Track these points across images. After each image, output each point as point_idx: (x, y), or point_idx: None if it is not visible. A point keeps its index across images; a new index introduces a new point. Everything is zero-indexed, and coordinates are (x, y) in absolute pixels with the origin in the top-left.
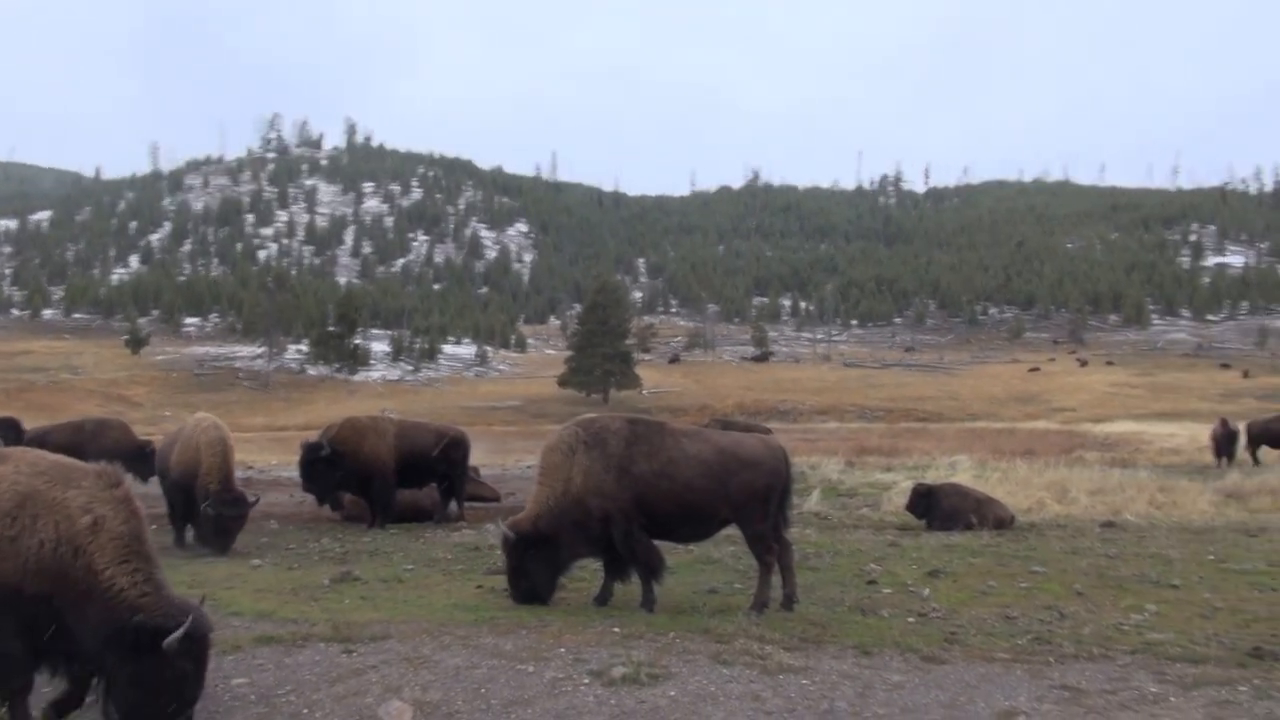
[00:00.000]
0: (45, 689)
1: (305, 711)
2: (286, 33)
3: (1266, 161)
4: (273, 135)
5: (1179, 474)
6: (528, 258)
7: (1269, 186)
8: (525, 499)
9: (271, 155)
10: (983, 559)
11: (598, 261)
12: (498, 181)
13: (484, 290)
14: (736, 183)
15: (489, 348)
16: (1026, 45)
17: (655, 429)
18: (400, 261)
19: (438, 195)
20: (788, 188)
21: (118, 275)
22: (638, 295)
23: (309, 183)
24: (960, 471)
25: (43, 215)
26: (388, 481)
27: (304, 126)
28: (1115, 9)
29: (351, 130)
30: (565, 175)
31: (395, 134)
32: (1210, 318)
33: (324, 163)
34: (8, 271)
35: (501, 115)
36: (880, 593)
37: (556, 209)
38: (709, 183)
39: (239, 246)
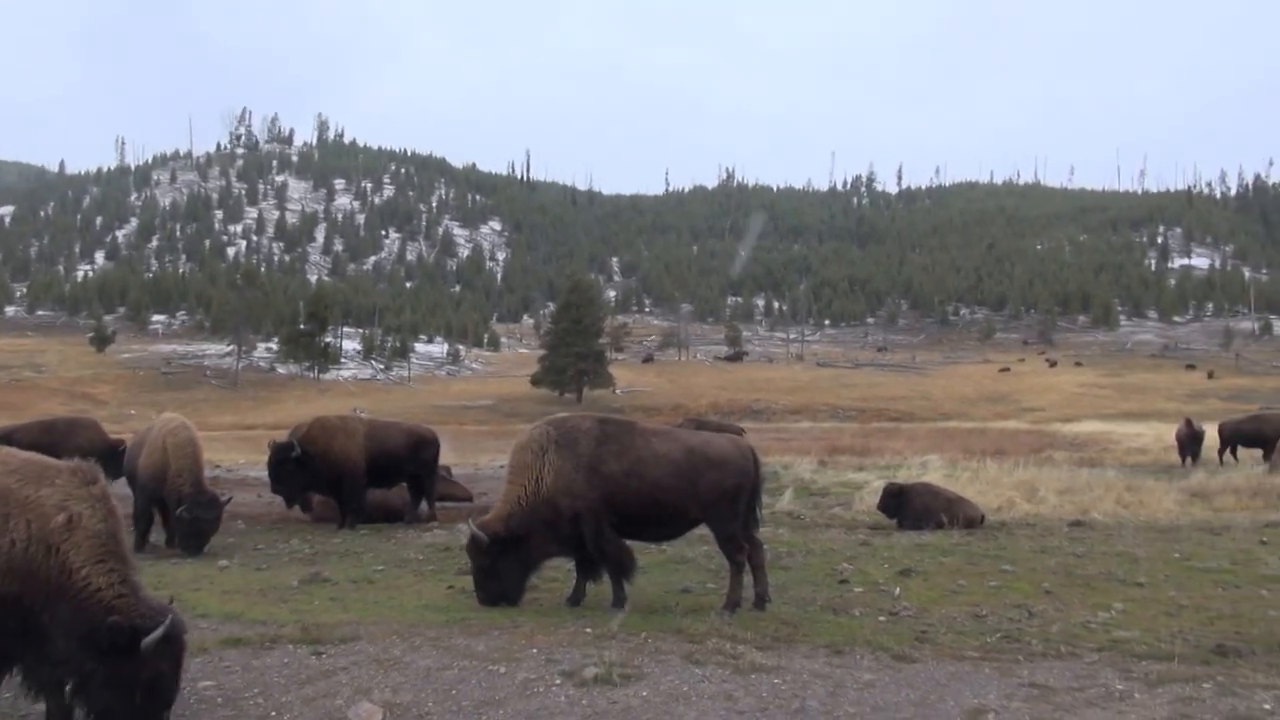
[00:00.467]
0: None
1: (273, 714)
2: (256, 27)
3: (1232, 165)
4: (242, 130)
5: (1145, 474)
6: (501, 256)
7: (1234, 190)
8: (496, 499)
9: (241, 151)
10: (953, 558)
11: (571, 260)
12: (471, 179)
13: (457, 289)
14: (711, 182)
15: (461, 346)
16: (998, 48)
17: (625, 428)
18: (372, 259)
19: (410, 193)
20: (762, 188)
21: (83, 271)
22: (611, 294)
23: (279, 179)
24: (931, 471)
25: (5, 210)
26: (358, 482)
27: (274, 122)
28: (1085, 14)
29: (323, 126)
30: (539, 174)
31: (367, 130)
32: (1176, 319)
33: (294, 159)
34: None
35: (475, 113)
36: (852, 592)
37: (530, 207)
38: (683, 182)
39: (207, 243)
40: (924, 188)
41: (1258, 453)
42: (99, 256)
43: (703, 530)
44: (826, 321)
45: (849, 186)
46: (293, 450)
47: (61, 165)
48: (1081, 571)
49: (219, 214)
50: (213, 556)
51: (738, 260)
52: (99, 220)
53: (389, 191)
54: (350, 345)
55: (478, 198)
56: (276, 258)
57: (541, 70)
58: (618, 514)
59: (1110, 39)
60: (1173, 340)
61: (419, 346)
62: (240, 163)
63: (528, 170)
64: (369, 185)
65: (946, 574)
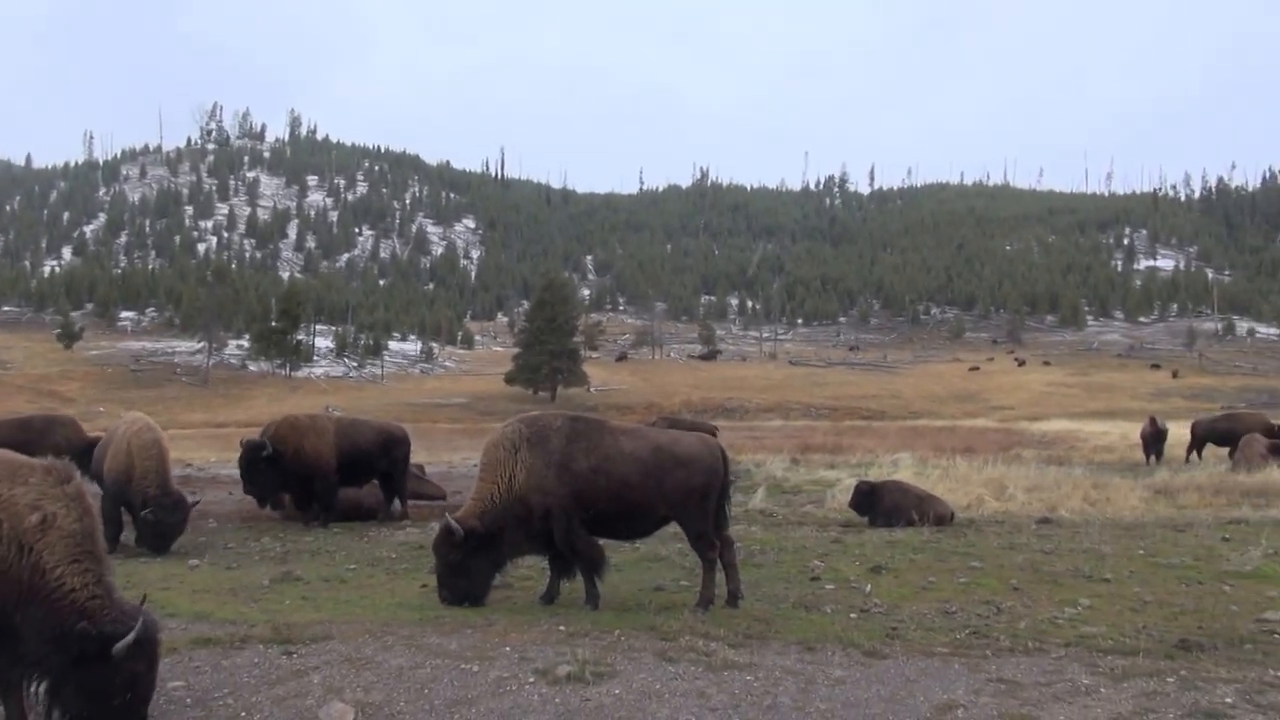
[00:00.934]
0: None
1: (244, 714)
2: (228, 21)
3: (1196, 168)
4: (213, 126)
5: (1112, 471)
6: (475, 254)
7: (1198, 193)
8: (469, 496)
9: (212, 146)
10: (923, 555)
11: (545, 258)
12: (445, 177)
13: (430, 286)
14: (685, 181)
15: (435, 344)
16: (969, 51)
17: (596, 427)
18: (345, 256)
19: (384, 190)
20: (735, 187)
21: (50, 267)
22: (585, 293)
23: (250, 175)
24: (902, 469)
25: None
26: (329, 480)
27: (245, 117)
28: (1054, 18)
29: (295, 122)
30: (513, 171)
31: (340, 127)
32: (1142, 319)
33: (266, 155)
34: None
35: (449, 110)
36: (824, 589)
37: (504, 205)
38: (657, 181)
39: (177, 239)
40: (896, 188)
41: (1221, 451)
42: (66, 252)
43: (676, 528)
44: (799, 320)
45: (822, 187)
46: (264, 449)
47: (28, 159)
48: (1049, 568)
49: (189, 210)
50: (183, 555)
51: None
52: (66, 215)
53: (362, 188)
54: (323, 343)
55: (452, 195)
56: (248, 254)
57: (516, 68)
58: (587, 511)
59: (1078, 44)
60: (1138, 340)
61: (392, 344)
62: (211, 158)
63: (502, 168)
64: (342, 182)
65: (917, 571)
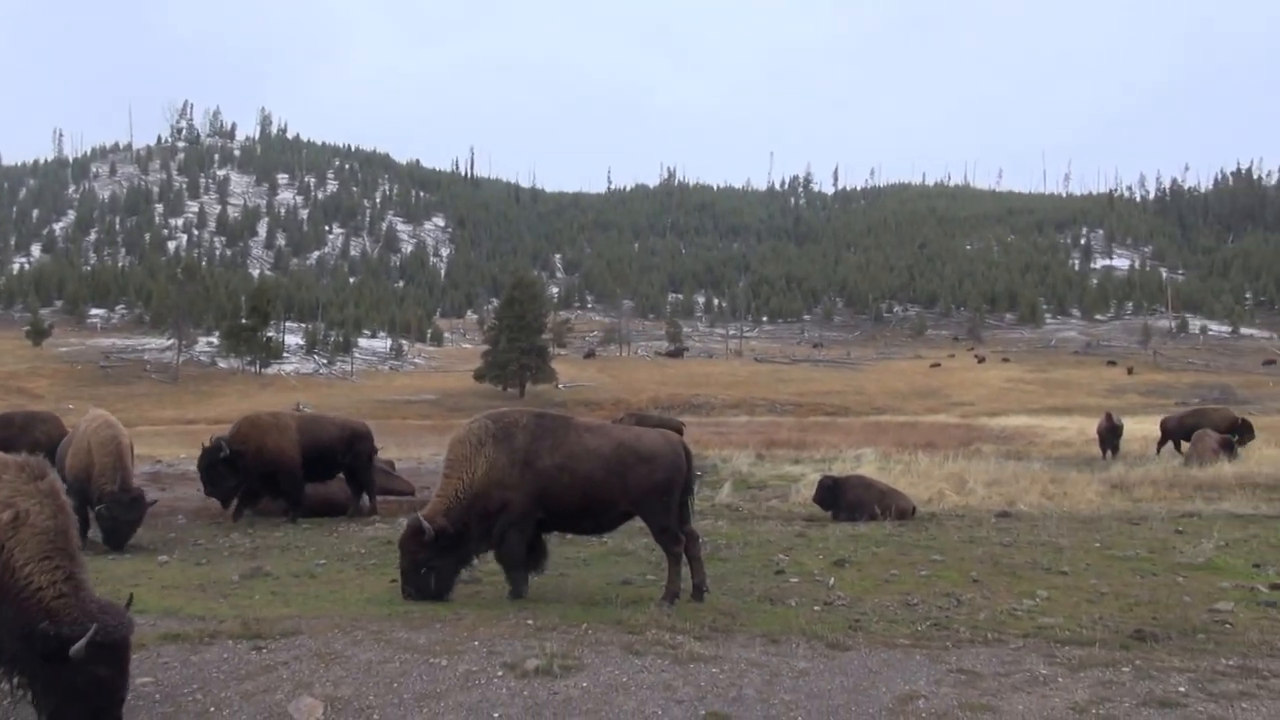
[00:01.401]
0: None
1: (213, 710)
2: (198, 19)
3: (1150, 170)
4: (183, 124)
5: (1069, 466)
6: (445, 252)
7: (1152, 193)
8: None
9: (182, 144)
10: (886, 548)
11: (515, 257)
12: (415, 175)
13: (400, 284)
14: (652, 181)
15: (405, 341)
16: (930, 54)
17: (561, 424)
18: (315, 254)
19: (354, 188)
20: (702, 187)
21: (19, 264)
22: (554, 291)
23: (221, 173)
24: (865, 464)
25: None
26: (295, 476)
27: (215, 115)
28: (1012, 22)
29: (265, 120)
30: (483, 171)
31: (311, 126)
32: (1098, 317)
33: (237, 153)
34: None
35: (419, 110)
36: (788, 582)
37: (474, 204)
38: (625, 180)
39: (147, 236)
40: (859, 188)
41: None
42: (35, 249)
43: (642, 523)
44: (764, 318)
45: (787, 186)
46: (221, 451)
47: None
48: (1008, 561)
49: (159, 207)
50: (152, 551)
51: None
52: (36, 213)
53: (332, 186)
54: (293, 340)
55: (421, 194)
56: (218, 252)
57: (486, 68)
58: (550, 508)
59: (1037, 48)
60: (1095, 338)
61: (362, 341)
62: (181, 156)
63: (472, 167)
64: (312, 180)
65: (879, 564)
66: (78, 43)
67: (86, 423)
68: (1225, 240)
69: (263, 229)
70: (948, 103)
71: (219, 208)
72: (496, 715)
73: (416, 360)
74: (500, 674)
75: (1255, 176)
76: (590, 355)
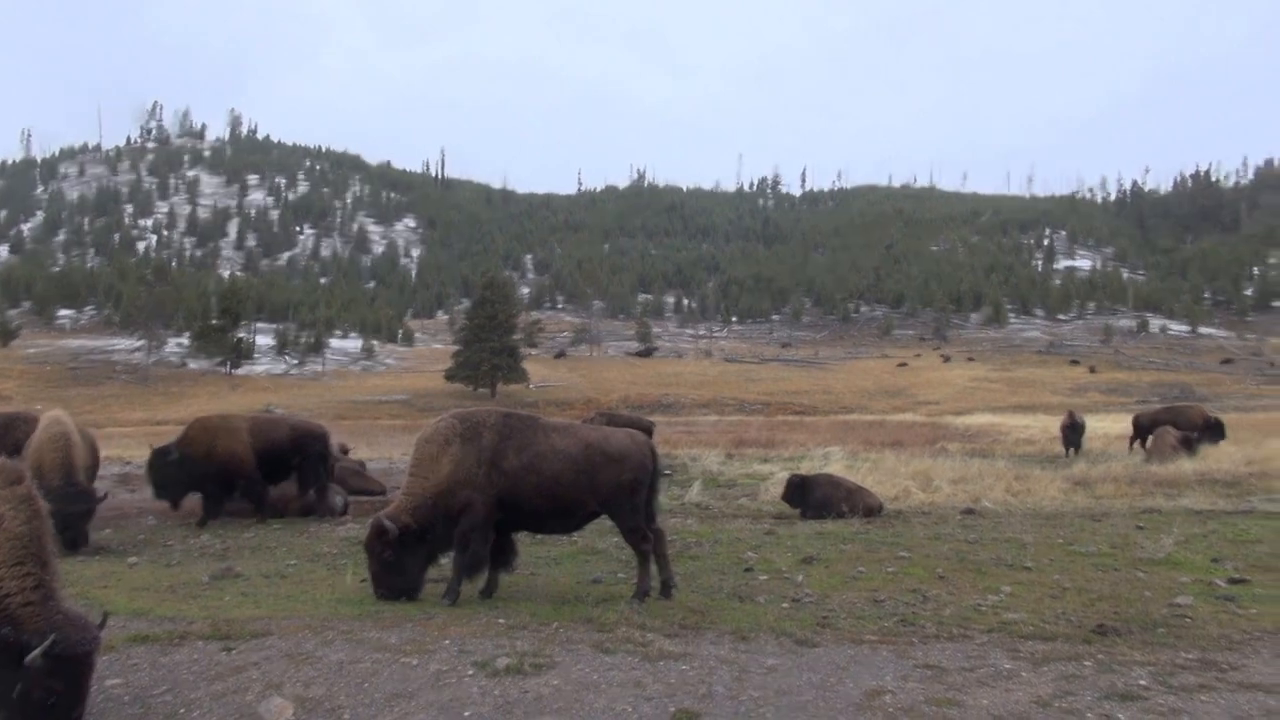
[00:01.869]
0: None
1: (182, 711)
2: (167, 21)
3: (1112, 172)
4: (153, 125)
5: (1033, 463)
6: (415, 253)
7: (1114, 195)
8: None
9: (152, 145)
10: (853, 545)
11: (486, 257)
12: (386, 176)
13: (371, 285)
14: (622, 182)
15: (376, 342)
16: (895, 59)
17: (528, 424)
18: (286, 255)
19: (324, 189)
20: (672, 188)
21: None
22: (525, 291)
23: (191, 173)
24: (833, 462)
25: None
26: (252, 478)
27: (185, 116)
28: (977, 27)
29: (236, 121)
30: (454, 172)
31: (281, 127)
32: (1061, 317)
33: (207, 154)
34: None
35: (391, 111)
36: (757, 580)
37: (445, 205)
38: (596, 182)
39: (116, 237)
40: (827, 190)
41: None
42: (3, 250)
43: (611, 522)
44: (734, 318)
45: (755, 188)
46: (170, 454)
47: None
48: (973, 557)
49: (129, 208)
50: (122, 554)
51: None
52: (3, 213)
53: (303, 188)
54: (264, 341)
55: (392, 195)
56: (188, 253)
57: (457, 70)
58: (517, 508)
59: (1000, 53)
60: (1058, 337)
61: (333, 342)
62: (151, 157)
63: (442, 168)
64: (283, 181)
65: (847, 561)
66: (46, 43)
67: (43, 422)
68: (1184, 241)
69: (233, 230)
70: (914, 106)
71: (189, 208)
72: (467, 714)
73: (388, 361)
74: (471, 673)
75: (1213, 179)
76: (561, 355)
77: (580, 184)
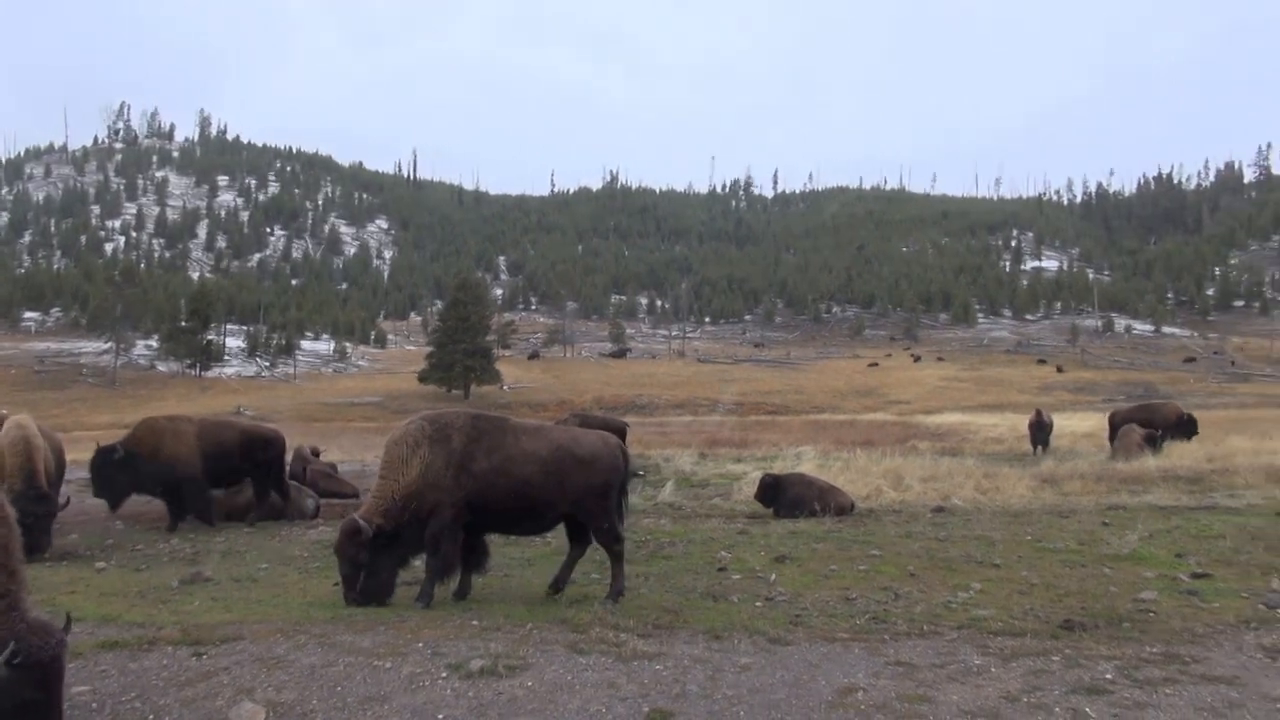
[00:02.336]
0: None
1: (152, 717)
2: (134, 20)
3: (1077, 174)
4: (120, 125)
5: (1001, 461)
6: (388, 254)
7: (1079, 197)
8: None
9: (119, 145)
10: (825, 544)
11: (458, 259)
12: (358, 178)
13: (343, 286)
14: (595, 184)
15: (348, 344)
16: (864, 61)
17: (498, 426)
18: (256, 256)
19: (296, 190)
20: (645, 190)
21: None
22: (498, 292)
23: (159, 174)
24: (805, 461)
25: None
26: (195, 482)
27: (153, 116)
28: (943, 31)
29: (205, 121)
30: (426, 173)
31: (251, 128)
32: (1029, 317)
33: (175, 154)
34: None
35: (362, 112)
36: (730, 579)
37: (417, 206)
38: (569, 183)
39: (83, 238)
40: (798, 192)
41: (1102, 440)
42: None
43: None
44: (706, 319)
45: (728, 190)
46: (115, 453)
47: None
48: (943, 554)
49: (96, 209)
50: (89, 558)
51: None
52: None
53: (274, 189)
54: (234, 343)
55: (364, 196)
56: (157, 254)
57: (430, 71)
58: (487, 511)
59: (968, 55)
60: (1025, 337)
61: (305, 344)
62: (119, 157)
63: (414, 169)
64: (253, 182)
65: (819, 560)
66: (10, 43)
67: (5, 427)
68: (1148, 242)
69: (202, 231)
70: (883, 108)
71: (157, 209)
72: (441, 717)
73: (360, 363)
74: (445, 675)
75: (1175, 181)
76: (534, 356)
77: (553, 185)
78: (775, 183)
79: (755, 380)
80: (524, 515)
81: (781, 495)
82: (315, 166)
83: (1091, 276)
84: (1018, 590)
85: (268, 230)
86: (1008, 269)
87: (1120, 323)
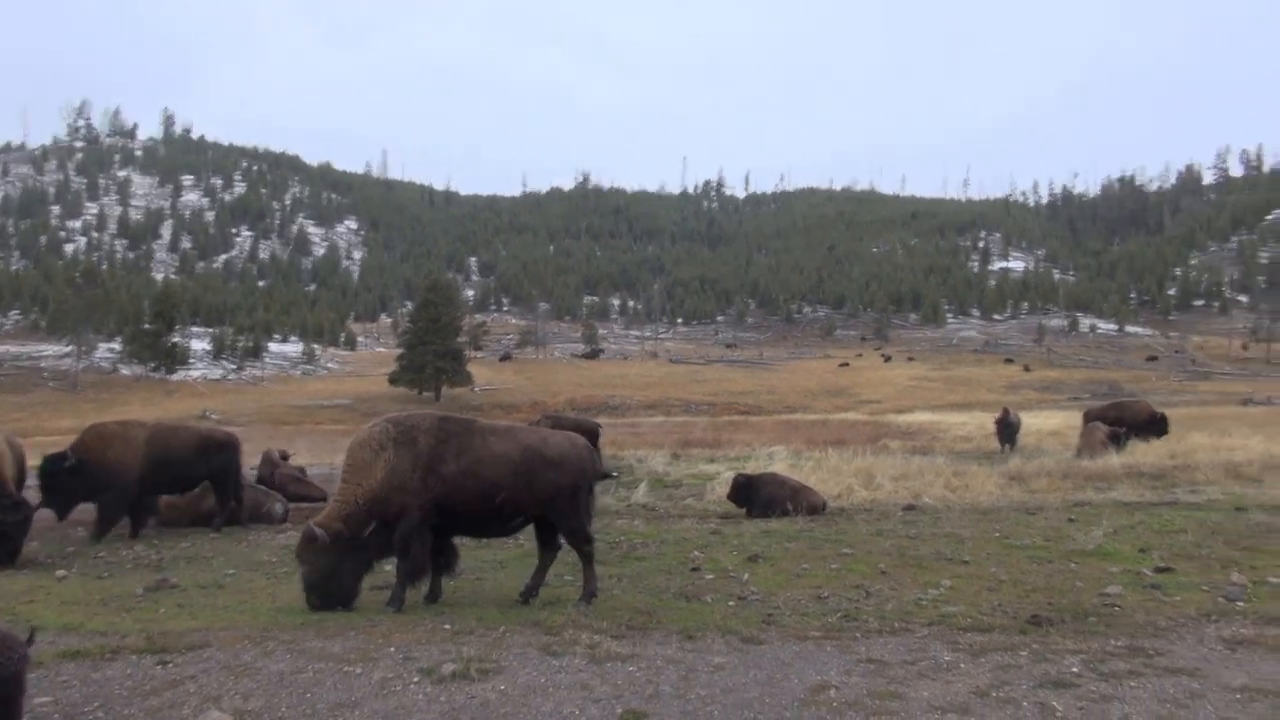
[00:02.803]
0: None
1: None
2: (95, 17)
3: (1044, 176)
4: (81, 123)
5: (970, 460)
6: (358, 255)
7: (1045, 199)
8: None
9: (80, 144)
10: (798, 543)
11: (429, 259)
12: (326, 178)
13: (312, 287)
14: (567, 184)
15: (317, 346)
16: (835, 63)
17: (465, 427)
18: (222, 258)
19: (263, 190)
20: (616, 190)
21: None
22: (470, 294)
23: (121, 174)
24: (777, 461)
25: None
26: (124, 490)
27: (116, 115)
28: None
29: (169, 120)
30: (396, 173)
31: (217, 127)
32: (996, 317)
33: (138, 153)
34: None
35: (331, 112)
36: (704, 579)
37: (387, 207)
38: (541, 184)
39: (43, 239)
40: (770, 193)
41: (1070, 439)
42: None
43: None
44: (679, 320)
45: (700, 190)
46: (66, 460)
47: None
48: (914, 552)
49: (56, 209)
50: (50, 566)
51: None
52: None
53: (240, 189)
54: (200, 345)
55: (333, 196)
56: (119, 255)
57: (399, 71)
58: (456, 512)
59: (938, 57)
60: (993, 336)
61: (273, 346)
62: (80, 156)
63: (385, 169)
64: (219, 182)
65: (791, 559)
66: None
67: None
68: (1111, 243)
69: (167, 231)
70: (854, 111)
71: (120, 210)
72: None
73: (330, 365)
74: (416, 680)
75: (1138, 183)
76: (506, 358)
77: (525, 186)
78: (747, 183)
79: (727, 381)
80: (493, 517)
81: (754, 495)
82: (283, 166)
83: (1057, 277)
84: (986, 587)
85: (234, 231)
86: (976, 270)
87: (1085, 322)
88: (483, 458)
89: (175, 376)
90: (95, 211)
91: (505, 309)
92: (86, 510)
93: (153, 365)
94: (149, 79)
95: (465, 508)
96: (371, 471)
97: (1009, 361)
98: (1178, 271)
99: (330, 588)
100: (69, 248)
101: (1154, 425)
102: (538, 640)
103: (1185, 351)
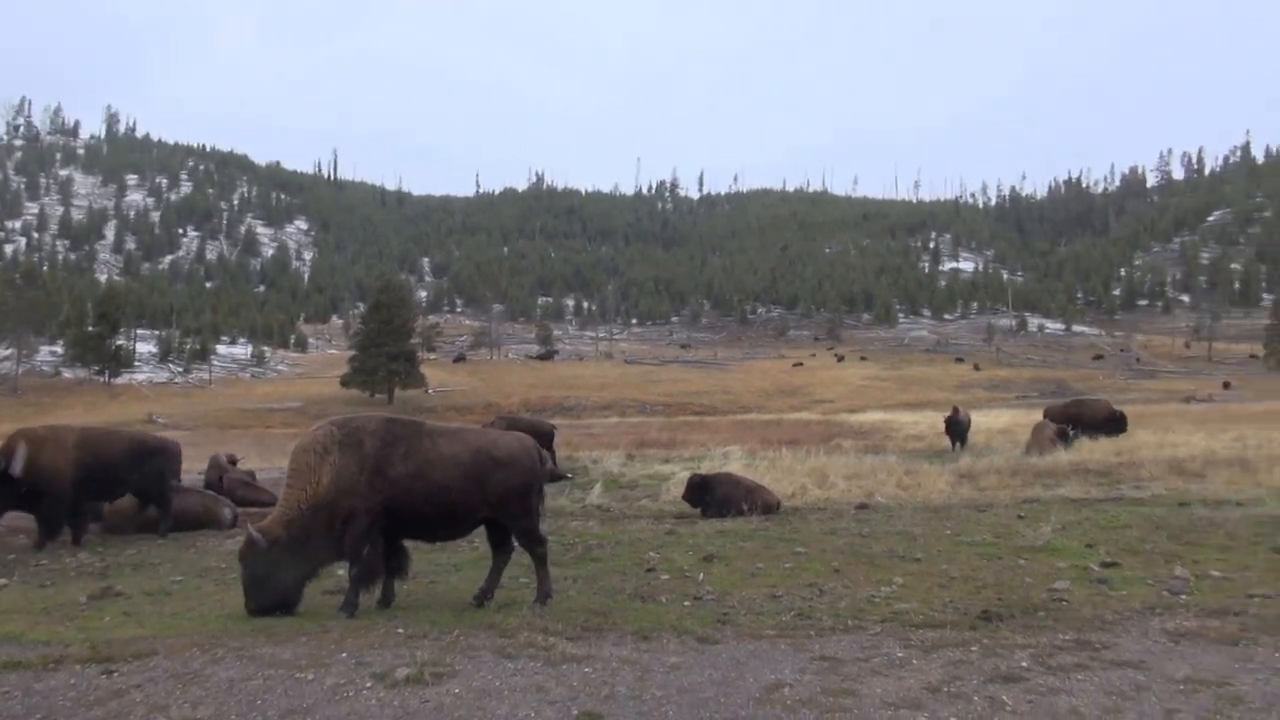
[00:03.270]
0: None
1: None
2: (35, 9)
3: (992, 178)
4: (20, 121)
5: (922, 458)
6: (308, 256)
7: (994, 200)
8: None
9: (20, 142)
10: (752, 543)
11: (381, 260)
12: (275, 177)
13: (261, 289)
14: (521, 185)
15: (267, 348)
16: (789, 65)
17: (413, 429)
18: (168, 258)
19: (210, 190)
20: (570, 191)
21: None
22: (422, 295)
23: (63, 173)
24: (732, 461)
25: None
26: (60, 496)
27: (57, 113)
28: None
29: (112, 118)
30: (347, 173)
31: (162, 125)
32: (947, 317)
33: (81, 152)
34: None
35: (280, 111)
36: (659, 579)
37: (338, 207)
38: (494, 184)
39: None
40: (723, 194)
41: (1020, 437)
42: None
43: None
44: (633, 320)
45: (654, 191)
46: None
47: None
48: (866, 550)
49: None
50: None
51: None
52: None
53: (186, 188)
54: (145, 348)
55: (282, 196)
56: (61, 256)
57: (350, 69)
58: (405, 516)
59: (887, 58)
60: (944, 336)
61: (221, 348)
62: (19, 155)
63: (335, 169)
64: (164, 181)
65: (746, 558)
66: None
67: None
68: (1058, 244)
69: (110, 232)
70: (806, 112)
71: (61, 209)
72: None
73: (280, 367)
74: (369, 685)
75: (1084, 185)
76: (460, 359)
77: (478, 186)
78: (701, 184)
79: (682, 381)
80: (444, 520)
81: (709, 495)
82: (230, 165)
83: (1006, 277)
84: (938, 583)
85: (180, 231)
86: (926, 270)
87: (1033, 322)
88: (431, 460)
89: (120, 380)
90: (35, 211)
91: (459, 310)
92: (25, 517)
93: (96, 369)
94: (91, 76)
95: (415, 510)
96: (316, 476)
97: (959, 361)
98: (1122, 272)
99: (269, 592)
100: (8, 248)
101: (1113, 423)
102: (492, 643)
103: (1130, 350)
